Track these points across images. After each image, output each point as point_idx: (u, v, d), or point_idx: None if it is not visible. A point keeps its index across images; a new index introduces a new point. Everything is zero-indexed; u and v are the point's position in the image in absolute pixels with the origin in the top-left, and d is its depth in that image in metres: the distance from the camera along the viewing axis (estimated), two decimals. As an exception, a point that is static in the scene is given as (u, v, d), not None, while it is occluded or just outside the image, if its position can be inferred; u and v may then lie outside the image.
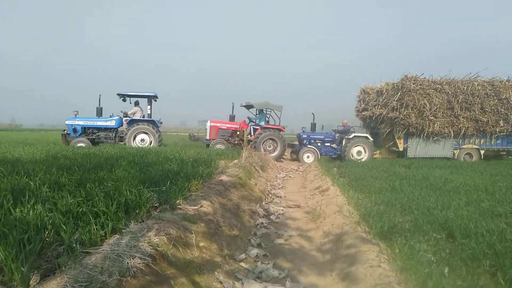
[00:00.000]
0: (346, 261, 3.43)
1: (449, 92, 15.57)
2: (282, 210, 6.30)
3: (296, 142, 18.13)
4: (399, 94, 15.41)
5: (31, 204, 3.03)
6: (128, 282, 2.23)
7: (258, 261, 3.79)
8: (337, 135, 17.27)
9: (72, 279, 2.01)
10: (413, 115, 15.32)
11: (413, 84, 15.40)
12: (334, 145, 17.05)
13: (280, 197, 7.65)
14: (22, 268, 2.01)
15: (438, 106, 15.42)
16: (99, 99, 14.69)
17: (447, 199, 5.37)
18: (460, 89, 15.64)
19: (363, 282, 2.87)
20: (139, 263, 2.41)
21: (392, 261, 3.04)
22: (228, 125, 16.94)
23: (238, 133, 16.71)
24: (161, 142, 14.98)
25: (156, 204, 4.04)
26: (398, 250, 3.19)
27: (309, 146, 16.73)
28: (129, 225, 3.08)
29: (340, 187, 6.75)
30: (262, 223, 5.30)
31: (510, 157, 16.08)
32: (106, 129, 14.70)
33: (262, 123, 16.76)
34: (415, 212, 4.61)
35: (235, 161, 9.72)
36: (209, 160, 8.19)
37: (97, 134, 14.67)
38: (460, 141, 16.08)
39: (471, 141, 16.10)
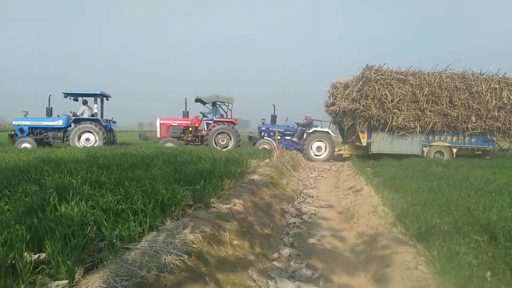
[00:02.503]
0: (381, 263, 3.37)
1: (414, 83, 14.44)
2: (315, 210, 6.25)
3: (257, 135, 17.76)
4: (359, 84, 14.54)
5: (74, 201, 3.19)
6: (165, 277, 2.30)
7: (291, 260, 3.80)
8: (299, 128, 16.82)
9: (113, 273, 2.11)
10: (373, 106, 14.31)
11: (374, 74, 14.42)
12: (294, 139, 16.66)
13: (312, 196, 7.60)
14: (68, 262, 2.12)
15: (401, 97, 14.35)
16: (49, 99, 14.81)
17: (489, 200, 5.12)
18: (426, 80, 14.48)
19: (399, 284, 2.80)
20: (176, 260, 2.49)
21: (430, 263, 2.95)
22: (179, 122, 16.21)
23: (190, 129, 16.14)
24: (109, 140, 14.68)
25: (191, 202, 4.13)
26: (436, 252, 3.09)
27: (265, 138, 16.43)
28: (166, 222, 3.18)
29: (375, 187, 6.61)
30: (294, 222, 5.29)
31: (487, 157, 14.33)
32: (54, 129, 14.62)
33: (218, 117, 16.25)
34: (454, 213, 4.43)
35: (267, 160, 9.75)
36: (241, 160, 8.27)
37: (45, 134, 14.63)
38: (430, 137, 14.94)
39: (442, 138, 14.93)
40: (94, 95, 14.70)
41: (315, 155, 15.99)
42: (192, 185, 4.64)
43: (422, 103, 14.33)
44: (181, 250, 2.60)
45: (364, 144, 15.10)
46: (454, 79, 14.31)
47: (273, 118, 16.95)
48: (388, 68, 14.78)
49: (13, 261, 2.13)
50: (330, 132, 16.29)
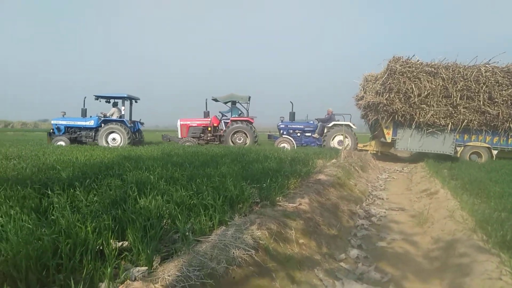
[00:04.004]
0: (458, 271, 3.14)
1: (446, 77, 12.82)
2: (385, 212, 6.00)
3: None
4: (384, 77, 13.25)
5: (152, 195, 3.45)
6: (234, 270, 2.40)
7: (359, 262, 3.70)
8: (319, 124, 15.89)
9: (187, 263, 2.25)
10: (397, 100, 13.02)
11: (400, 66, 13.07)
12: (315, 135, 15.78)
13: (382, 199, 7.30)
14: (147, 250, 2.31)
15: (429, 92, 12.83)
16: (84, 101, 15.64)
17: None
18: (461, 74, 12.78)
19: (480, 295, 2.60)
20: (243, 254, 2.58)
21: (516, 275, 2.68)
22: (198, 122, 16.32)
23: (209, 129, 16.09)
24: (135, 140, 15.23)
25: (257, 200, 4.22)
26: (524, 263, 2.80)
27: (284, 136, 15.68)
28: (234, 218, 3.30)
29: (452, 191, 6.14)
30: (362, 224, 5.14)
31: None
32: (86, 128, 15.41)
33: (235, 116, 15.95)
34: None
35: (333, 160, 9.56)
36: (307, 159, 8.22)
37: (79, 133, 15.52)
38: (466, 137, 13.14)
39: (480, 138, 13.03)
40: (122, 98, 15.67)
41: (337, 148, 15.19)
42: (258, 183, 4.73)
43: (454, 98, 12.94)
44: (248, 245, 2.69)
45: (389, 140, 14.11)
46: (496, 73, 12.68)
47: (292, 115, 16.47)
48: (417, 60, 13.58)
49: (101, 247, 2.39)
50: (352, 125, 15.47)
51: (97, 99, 15.40)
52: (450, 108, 13.04)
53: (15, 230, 2.35)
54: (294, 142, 15.36)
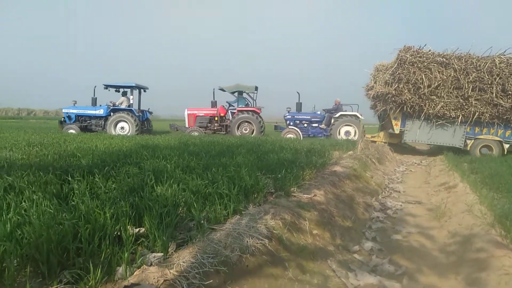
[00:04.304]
0: (474, 265, 3.10)
1: (458, 68, 12.33)
2: (401, 205, 5.94)
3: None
4: (394, 67, 12.86)
5: (168, 183, 3.51)
6: (247, 259, 2.44)
7: (373, 254, 3.69)
8: (327, 114, 15.63)
9: (201, 251, 2.30)
10: (406, 91, 12.63)
11: (411, 56, 12.65)
12: (322, 126, 15.57)
13: (399, 191, 7.21)
14: (163, 237, 2.36)
15: (440, 83, 12.39)
16: (94, 90, 15.81)
17: None
18: (474, 65, 12.26)
19: (496, 291, 2.56)
20: (257, 243, 2.61)
21: (535, 271, 2.63)
22: (205, 112, 16.32)
23: (216, 118, 16.10)
24: (143, 129, 15.48)
25: (272, 190, 4.24)
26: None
27: (290, 127, 15.54)
28: (248, 207, 3.34)
29: (471, 185, 6.02)
30: (377, 217, 5.10)
31: None
32: (96, 117, 15.67)
33: (241, 106, 15.91)
34: None
35: (350, 152, 9.48)
36: (323, 151, 8.17)
37: (89, 121, 15.75)
38: (477, 129, 12.68)
39: (491, 131, 12.57)
40: (130, 87, 15.79)
41: (342, 139, 14.96)
42: (273, 174, 4.75)
43: (466, 90, 12.52)
44: (262, 235, 2.71)
45: (397, 132, 13.81)
46: (510, 64, 12.20)
47: (298, 105, 16.28)
48: (429, 50, 13.14)
49: (118, 233, 2.46)
50: (359, 115, 15.22)
51: (106, 88, 15.62)
52: (461, 100, 12.70)
53: (38, 215, 2.44)
54: (300, 133, 15.29)
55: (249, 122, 15.52)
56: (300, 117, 16.08)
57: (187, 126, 16.38)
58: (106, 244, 2.21)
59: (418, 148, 17.05)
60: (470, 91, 12.55)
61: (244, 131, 15.43)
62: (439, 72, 12.75)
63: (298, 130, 15.40)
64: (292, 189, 4.35)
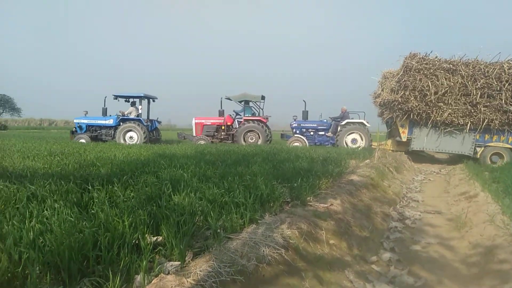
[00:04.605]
0: (498, 277, 3.01)
1: (465, 74, 12.09)
2: (419, 215, 5.82)
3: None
4: (400, 74, 12.70)
5: (185, 192, 3.55)
6: (263, 268, 2.43)
7: (391, 265, 3.63)
8: (333, 122, 15.50)
9: (218, 260, 2.31)
10: (412, 98, 12.43)
11: (416, 63, 12.46)
12: (329, 134, 15.43)
13: (417, 201, 7.08)
14: (180, 246, 2.38)
15: (447, 90, 12.16)
16: (105, 100, 16.09)
17: None
18: (482, 71, 11.99)
19: (521, 304, 2.48)
20: (273, 252, 2.60)
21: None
22: (212, 121, 16.40)
23: (223, 127, 16.18)
24: (152, 139, 15.64)
25: (288, 199, 4.23)
26: None
27: (296, 135, 15.47)
28: (264, 216, 3.33)
29: (493, 194, 5.85)
30: (396, 227, 5.01)
31: None
32: (106, 127, 15.91)
33: (248, 115, 15.98)
34: None
35: (367, 161, 9.38)
36: (339, 159, 8.11)
37: (99, 131, 16.02)
38: (487, 137, 12.33)
39: (502, 138, 12.22)
40: (139, 97, 16.04)
41: (350, 148, 14.74)
42: (289, 183, 4.74)
43: (474, 96, 12.30)
44: (278, 244, 2.71)
45: (404, 139, 13.61)
46: None
47: (305, 114, 16.22)
48: (435, 57, 12.99)
49: (136, 241, 2.49)
50: (365, 123, 15.03)
51: (116, 99, 15.95)
52: (469, 107, 12.51)
53: (59, 223, 2.51)
54: (306, 141, 15.30)
55: (255, 132, 15.63)
56: (306, 125, 16.09)
57: (194, 134, 16.56)
58: (125, 252, 2.25)
59: (437, 157, 16.73)
60: (478, 97, 12.39)
61: (250, 140, 15.54)
62: (445, 78, 12.66)
63: (304, 138, 15.43)
64: (308, 198, 4.33)
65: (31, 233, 2.32)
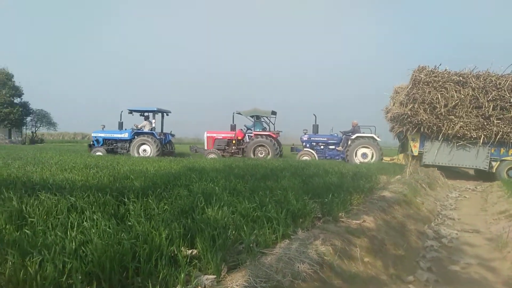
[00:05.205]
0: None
1: (476, 86, 11.79)
2: (456, 233, 5.59)
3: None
4: (409, 87, 12.52)
5: (218, 206, 3.58)
6: (299, 285, 2.40)
7: (429, 286, 3.48)
8: (344, 136, 15.36)
9: (253, 274, 2.30)
10: (422, 111, 12.16)
11: (425, 75, 12.26)
12: (340, 148, 15.32)
13: (453, 219, 6.80)
14: (216, 260, 2.39)
15: (457, 102, 11.85)
16: (121, 114, 16.64)
17: None
18: (493, 83, 11.65)
19: None
20: (308, 269, 2.57)
21: None
22: (224, 135, 16.77)
23: (234, 141, 16.47)
24: (165, 152, 16.10)
25: (319, 215, 4.17)
26: None
27: (305, 149, 15.47)
28: (297, 232, 3.30)
29: (536, 213, 5.56)
30: (431, 245, 4.83)
31: None
32: (121, 140, 16.45)
33: (258, 130, 16.14)
34: None
35: (398, 176, 9.15)
36: (369, 175, 7.96)
37: (115, 144, 16.56)
38: (502, 150, 11.85)
39: None
40: (152, 111, 16.63)
41: (361, 162, 14.39)
42: (320, 198, 4.68)
43: (486, 109, 11.98)
44: (313, 260, 2.67)
45: (416, 153, 13.26)
46: None
47: (315, 127, 16.26)
48: (445, 70, 12.78)
49: (172, 254, 2.52)
50: (376, 137, 14.81)
51: (130, 113, 16.57)
52: (482, 120, 12.22)
53: (98, 234, 2.58)
54: (316, 155, 15.40)
55: (265, 146, 15.88)
56: (316, 139, 16.17)
57: (206, 148, 16.96)
58: (162, 264, 2.28)
59: (471, 173, 16.09)
60: (491, 110, 12.13)
61: (259, 155, 15.81)
62: (456, 91, 12.48)
63: (314, 152, 15.54)
64: (340, 214, 4.25)
65: (73, 243, 2.40)
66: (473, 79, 12.43)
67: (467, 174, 15.87)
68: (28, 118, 43.58)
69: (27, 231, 2.63)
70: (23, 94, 41.65)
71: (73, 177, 5.33)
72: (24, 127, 43.63)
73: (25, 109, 41.82)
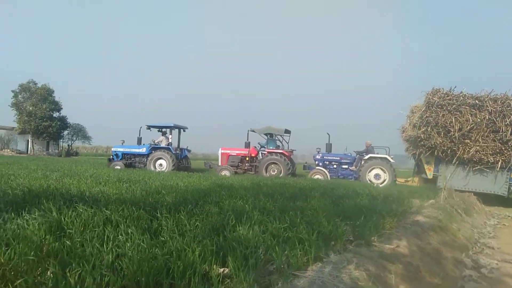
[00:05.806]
0: None
1: (493, 110, 11.29)
2: (497, 264, 5.28)
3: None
4: (422, 110, 12.20)
5: (248, 224, 3.57)
6: (333, 310, 2.33)
7: (469, 319, 3.29)
8: (357, 156, 15.11)
9: (286, 297, 2.26)
10: (436, 134, 11.73)
11: (439, 98, 11.91)
12: (353, 168, 15.05)
13: (492, 248, 6.44)
14: (248, 279, 2.38)
15: (473, 126, 11.39)
16: (140, 130, 17.26)
17: None
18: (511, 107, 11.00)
19: None
20: (342, 294, 2.49)
21: None
22: (237, 152, 17.02)
23: (247, 159, 16.64)
24: (181, 167, 16.40)
25: (351, 238, 4.08)
26: None
27: (318, 167, 15.34)
28: (329, 255, 3.23)
29: None
30: (470, 275, 4.58)
31: None
32: (139, 155, 16.91)
33: (272, 148, 16.20)
34: None
35: (432, 201, 8.82)
36: (401, 198, 7.73)
37: (133, 159, 17.01)
38: None
39: None
40: (169, 127, 17.15)
41: (373, 183, 13.82)
42: (351, 220, 4.58)
43: (504, 133, 11.49)
44: (347, 285, 2.60)
45: (430, 177, 12.87)
46: None
47: (328, 146, 16.14)
48: (461, 92, 12.40)
49: (204, 272, 2.53)
50: (389, 158, 14.47)
51: (148, 129, 17.20)
52: (499, 144, 11.72)
53: (133, 248, 2.63)
54: (328, 174, 15.30)
55: (277, 164, 15.97)
56: (329, 158, 16.10)
57: (219, 164, 17.24)
58: (195, 282, 2.28)
59: (510, 200, 15.25)
60: (509, 134, 11.64)
61: (272, 172, 15.93)
62: (471, 115, 12.05)
63: (326, 171, 15.45)
64: (373, 238, 4.14)
65: (110, 256, 2.46)
66: (490, 102, 12.08)
67: (505, 200, 15.07)
68: (65, 132, 45.71)
69: (67, 241, 2.71)
70: (61, 108, 43.88)
71: (108, 190, 5.49)
72: (61, 140, 45.76)
73: (63, 123, 43.95)
